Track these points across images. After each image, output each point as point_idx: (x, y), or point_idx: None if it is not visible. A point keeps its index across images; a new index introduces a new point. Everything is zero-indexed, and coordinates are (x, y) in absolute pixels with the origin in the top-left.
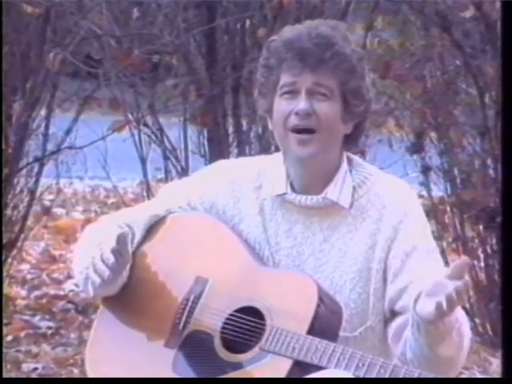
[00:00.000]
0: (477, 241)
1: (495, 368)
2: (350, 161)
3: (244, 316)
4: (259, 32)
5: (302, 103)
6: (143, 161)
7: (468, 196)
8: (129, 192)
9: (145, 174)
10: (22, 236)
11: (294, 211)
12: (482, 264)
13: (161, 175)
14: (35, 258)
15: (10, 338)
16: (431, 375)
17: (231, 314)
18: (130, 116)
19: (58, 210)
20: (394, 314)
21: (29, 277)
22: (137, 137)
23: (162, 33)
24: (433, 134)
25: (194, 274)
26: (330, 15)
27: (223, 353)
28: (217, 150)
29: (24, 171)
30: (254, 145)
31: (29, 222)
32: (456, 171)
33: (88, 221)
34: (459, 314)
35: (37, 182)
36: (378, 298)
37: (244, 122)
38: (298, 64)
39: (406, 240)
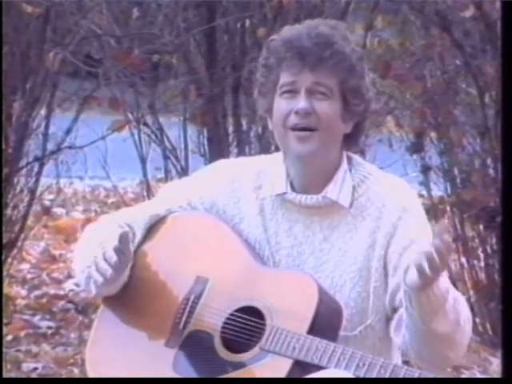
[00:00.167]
0: (477, 240)
1: (495, 368)
2: (349, 160)
3: (244, 316)
4: (259, 32)
5: (301, 102)
6: (143, 160)
7: (468, 196)
8: (129, 192)
9: (145, 174)
10: (22, 236)
11: (294, 211)
12: (482, 264)
13: (161, 175)
14: (35, 257)
15: (10, 337)
16: (431, 375)
17: (231, 314)
18: (130, 116)
19: (58, 210)
20: (395, 310)
21: (29, 276)
22: (137, 136)
23: (162, 32)
24: (433, 134)
25: (194, 274)
26: (330, 15)
27: (223, 352)
28: (217, 150)
29: (24, 171)
30: (253, 145)
31: (29, 222)
32: (456, 171)
33: (88, 220)
34: (455, 292)
35: (37, 181)
36: (377, 297)
37: (244, 122)
38: (297, 63)
39: (405, 235)
